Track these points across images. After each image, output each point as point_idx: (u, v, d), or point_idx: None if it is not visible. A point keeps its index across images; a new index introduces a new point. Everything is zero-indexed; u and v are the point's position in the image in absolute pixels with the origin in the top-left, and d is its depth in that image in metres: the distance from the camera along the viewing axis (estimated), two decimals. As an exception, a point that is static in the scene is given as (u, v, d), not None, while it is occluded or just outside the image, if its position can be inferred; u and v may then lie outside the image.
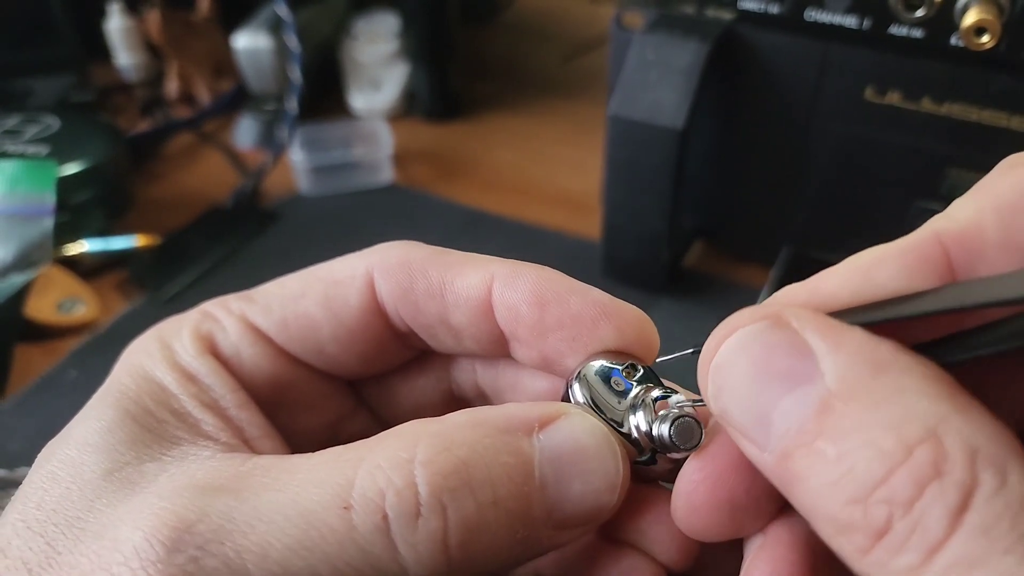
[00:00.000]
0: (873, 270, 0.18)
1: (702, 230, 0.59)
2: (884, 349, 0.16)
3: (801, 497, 0.16)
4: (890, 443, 0.14)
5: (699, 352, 0.18)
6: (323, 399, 0.25)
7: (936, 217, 0.18)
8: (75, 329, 0.54)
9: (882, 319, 0.17)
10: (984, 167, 0.18)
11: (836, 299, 0.18)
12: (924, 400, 0.15)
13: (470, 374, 0.25)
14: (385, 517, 0.18)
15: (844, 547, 0.15)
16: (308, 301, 0.23)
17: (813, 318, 0.17)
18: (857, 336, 0.16)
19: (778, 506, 0.19)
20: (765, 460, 0.16)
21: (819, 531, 0.16)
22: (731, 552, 0.21)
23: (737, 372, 0.17)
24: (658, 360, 0.23)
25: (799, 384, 0.16)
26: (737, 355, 0.17)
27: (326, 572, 0.17)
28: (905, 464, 0.14)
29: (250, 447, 0.21)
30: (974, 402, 0.15)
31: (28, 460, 0.21)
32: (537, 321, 0.22)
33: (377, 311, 0.23)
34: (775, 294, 0.19)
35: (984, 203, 0.17)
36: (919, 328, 0.18)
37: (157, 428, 0.20)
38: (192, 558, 0.17)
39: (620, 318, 0.22)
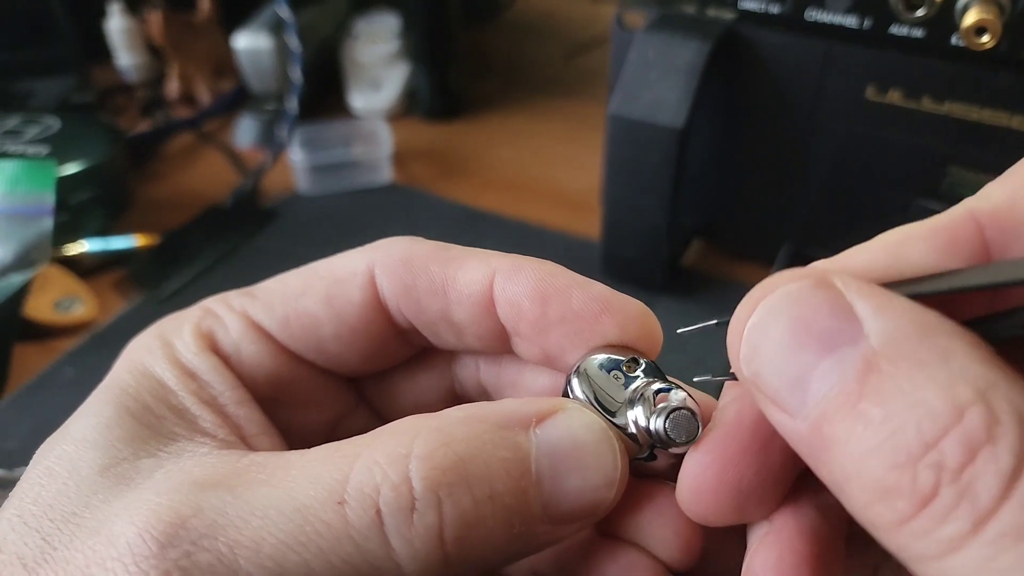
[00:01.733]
0: (903, 248, 0.17)
1: (702, 229, 0.59)
2: (930, 314, 0.15)
3: (837, 464, 0.15)
4: (940, 404, 0.14)
5: (723, 324, 0.18)
6: (324, 396, 0.25)
7: (968, 199, 0.18)
8: (73, 328, 0.54)
9: (916, 293, 0.16)
10: (985, 166, 0.18)
11: (867, 274, 0.17)
12: (973, 364, 0.14)
13: (472, 371, 0.25)
14: (379, 512, 0.17)
15: (882, 516, 0.14)
16: (309, 298, 0.23)
17: (856, 281, 0.16)
18: (902, 300, 0.15)
19: (785, 492, 0.19)
20: (797, 428, 0.16)
21: (852, 501, 0.15)
22: (733, 549, 0.21)
23: (775, 333, 0.16)
24: (679, 331, 0.22)
25: (841, 345, 0.15)
26: (776, 315, 0.16)
27: (320, 568, 0.17)
28: (957, 427, 0.14)
29: (248, 444, 0.21)
30: (1015, 372, 0.15)
31: (25, 459, 0.21)
32: (539, 316, 0.21)
33: (379, 308, 0.23)
34: (808, 265, 0.18)
35: (1019, 185, 0.17)
36: (951, 308, 0.17)
37: (155, 424, 0.20)
38: (185, 553, 0.17)
39: (622, 312, 0.21)
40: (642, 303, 0.22)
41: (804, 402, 0.16)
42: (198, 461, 0.19)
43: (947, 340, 0.15)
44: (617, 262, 0.55)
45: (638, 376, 0.21)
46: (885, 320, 0.15)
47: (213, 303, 0.23)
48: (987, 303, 0.17)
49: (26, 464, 0.20)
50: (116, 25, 0.78)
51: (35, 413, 0.48)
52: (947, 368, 0.14)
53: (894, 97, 0.46)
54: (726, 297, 0.56)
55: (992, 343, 0.15)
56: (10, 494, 0.20)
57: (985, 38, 0.40)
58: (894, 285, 0.17)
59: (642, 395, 0.21)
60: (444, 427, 0.19)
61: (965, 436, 0.13)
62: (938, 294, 0.16)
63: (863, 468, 0.14)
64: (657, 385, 0.21)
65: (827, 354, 0.15)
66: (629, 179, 0.51)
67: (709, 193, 0.56)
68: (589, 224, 0.60)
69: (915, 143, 0.47)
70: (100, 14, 0.78)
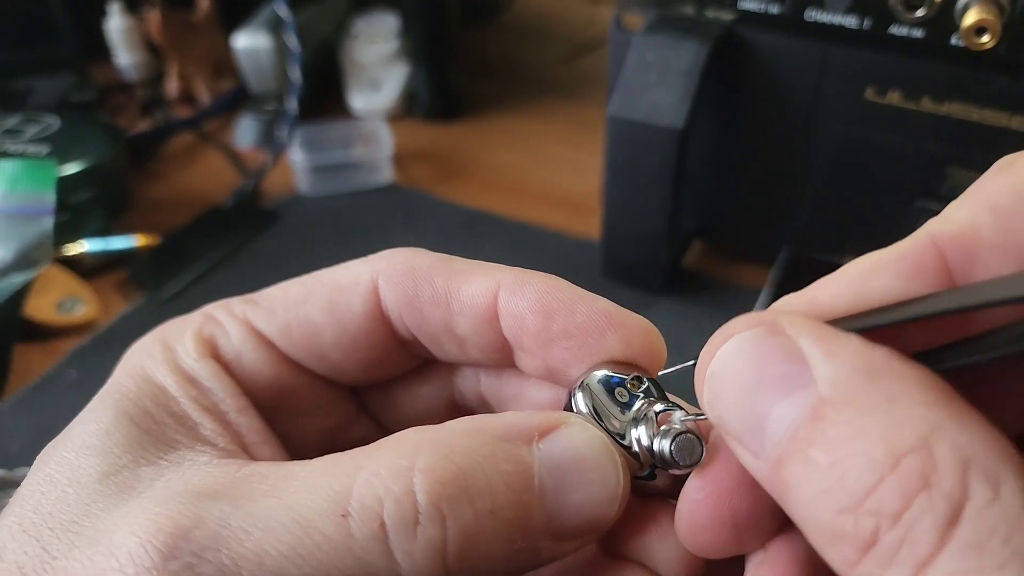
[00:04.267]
0: (870, 277, 0.17)
1: (701, 230, 0.59)
2: (878, 356, 0.16)
3: (794, 506, 0.16)
4: (879, 451, 0.14)
5: None
6: (324, 405, 0.24)
7: (931, 220, 0.18)
8: (75, 329, 0.54)
9: (879, 324, 0.17)
10: (984, 167, 0.18)
11: (834, 307, 0.17)
12: (917, 407, 0.15)
13: (474, 384, 0.25)
14: (383, 525, 0.17)
15: (834, 558, 0.15)
16: (312, 306, 0.23)
17: (807, 324, 0.16)
18: (852, 343, 0.16)
19: (780, 522, 0.19)
20: (760, 468, 0.16)
21: (812, 541, 0.16)
22: (734, 569, 0.20)
23: (732, 379, 0.17)
24: (660, 373, 0.22)
25: (793, 390, 0.16)
26: (732, 361, 0.17)
27: None
28: (893, 474, 0.14)
29: (248, 452, 0.21)
30: (970, 410, 0.15)
31: (27, 460, 0.21)
32: (542, 330, 0.21)
33: (381, 318, 0.23)
34: (774, 304, 0.19)
35: (979, 205, 0.17)
36: (919, 335, 0.17)
37: (155, 431, 0.20)
38: (187, 565, 0.17)
39: (627, 328, 0.22)
40: (647, 320, 0.22)
41: (763, 444, 0.16)
42: (198, 470, 0.19)
43: (894, 383, 0.15)
44: (617, 264, 0.55)
45: (641, 394, 0.21)
46: (833, 365, 0.16)
47: (215, 309, 0.23)
48: (955, 329, 0.18)
49: (28, 465, 0.20)
50: (116, 24, 0.78)
51: (37, 414, 0.48)
52: (890, 414, 0.15)
53: (893, 98, 0.46)
54: (726, 299, 0.56)
55: (957, 370, 0.16)
56: (11, 501, 0.20)
57: (985, 38, 0.40)
58: (857, 318, 0.17)
59: (645, 414, 0.21)
60: (445, 439, 0.19)
61: (901, 482, 0.14)
62: (897, 324, 0.17)
63: (815, 511, 0.15)
64: (660, 405, 0.21)
65: (781, 399, 0.16)
66: (629, 181, 0.51)
67: (709, 194, 0.56)
68: (589, 226, 0.60)
69: (915, 144, 0.47)
70: (100, 13, 0.78)
